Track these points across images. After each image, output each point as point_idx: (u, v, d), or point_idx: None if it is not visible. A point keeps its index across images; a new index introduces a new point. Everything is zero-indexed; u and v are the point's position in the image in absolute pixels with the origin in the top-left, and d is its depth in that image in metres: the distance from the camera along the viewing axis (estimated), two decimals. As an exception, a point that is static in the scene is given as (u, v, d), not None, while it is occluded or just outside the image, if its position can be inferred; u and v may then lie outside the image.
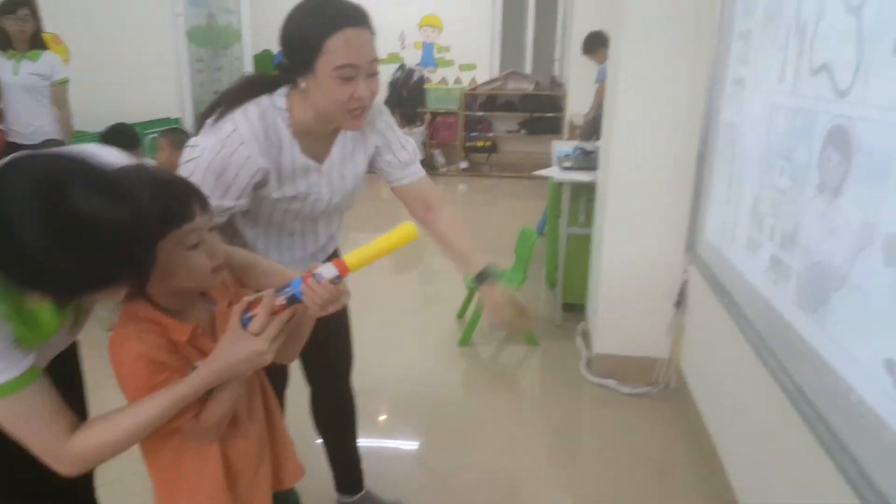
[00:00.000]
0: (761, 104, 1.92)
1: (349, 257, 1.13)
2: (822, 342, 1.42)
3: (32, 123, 4.09)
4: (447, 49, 8.29)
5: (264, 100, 1.48)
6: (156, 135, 6.58)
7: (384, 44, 7.93)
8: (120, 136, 3.95)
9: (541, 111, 7.99)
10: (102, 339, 1.13)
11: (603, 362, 3.09)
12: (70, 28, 5.24)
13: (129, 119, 6.61)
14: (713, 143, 2.44)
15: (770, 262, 1.77)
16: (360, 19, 1.39)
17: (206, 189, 1.27)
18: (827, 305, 1.40)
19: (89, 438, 1.04)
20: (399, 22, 8.04)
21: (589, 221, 3.55)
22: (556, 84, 7.94)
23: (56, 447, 1.02)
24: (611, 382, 3.02)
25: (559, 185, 3.68)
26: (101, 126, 4.02)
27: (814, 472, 1.55)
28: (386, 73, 7.83)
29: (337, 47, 1.36)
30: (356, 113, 1.44)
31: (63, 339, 1.19)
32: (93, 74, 4.64)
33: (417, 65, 8.31)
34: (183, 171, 1.44)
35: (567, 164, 3.76)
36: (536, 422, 2.83)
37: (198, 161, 1.43)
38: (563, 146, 4.47)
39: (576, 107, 7.15)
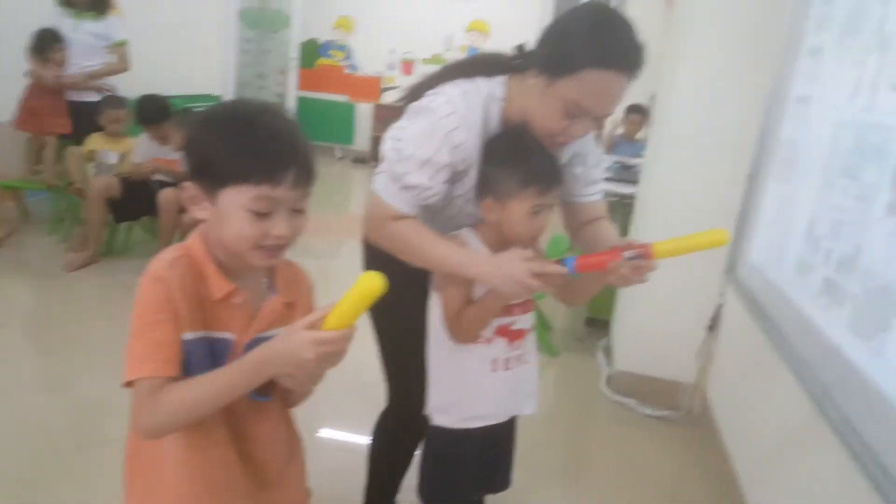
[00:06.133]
0: (828, 122, 1.83)
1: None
2: (879, 370, 1.33)
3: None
4: (493, 56, 8.25)
5: (483, 86, 1.33)
6: (195, 108, 6.61)
7: (430, 44, 7.92)
8: (151, 105, 3.95)
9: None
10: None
11: (624, 380, 2.99)
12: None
13: (169, 91, 6.62)
14: (766, 162, 2.35)
15: (823, 286, 1.67)
16: (632, 67, 1.20)
17: (410, 166, 1.28)
18: (887, 332, 1.31)
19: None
20: (447, 24, 7.99)
21: (621, 234, 3.46)
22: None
23: None
24: (630, 402, 2.91)
25: (596, 197, 3.59)
26: (141, 93, 4.02)
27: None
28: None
29: (589, 82, 1.19)
30: (553, 142, 1.31)
31: None
32: (141, 41, 4.64)
33: (461, 69, 8.28)
34: (390, 145, 1.32)
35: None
36: (549, 433, 2.73)
37: (409, 134, 1.31)
38: (602, 160, 4.39)
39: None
